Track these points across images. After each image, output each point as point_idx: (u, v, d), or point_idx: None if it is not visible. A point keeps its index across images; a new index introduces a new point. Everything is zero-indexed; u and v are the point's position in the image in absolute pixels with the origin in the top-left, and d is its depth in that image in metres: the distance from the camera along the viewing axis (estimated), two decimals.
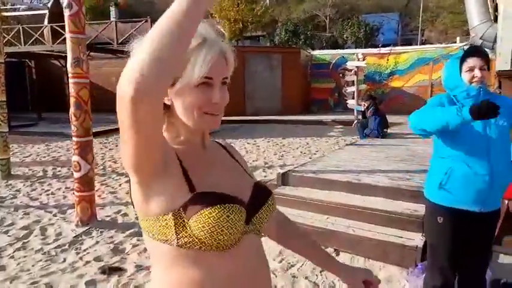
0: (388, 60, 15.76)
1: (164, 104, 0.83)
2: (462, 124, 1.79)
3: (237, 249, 0.81)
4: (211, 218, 0.75)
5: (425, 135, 2.05)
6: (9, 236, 3.70)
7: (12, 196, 5.02)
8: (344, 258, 3.15)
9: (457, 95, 1.99)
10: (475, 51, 1.98)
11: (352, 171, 4.31)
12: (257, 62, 14.59)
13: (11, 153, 6.56)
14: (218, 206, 0.76)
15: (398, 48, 16.65)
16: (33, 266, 3.09)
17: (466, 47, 2.22)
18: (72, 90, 3.89)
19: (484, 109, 1.67)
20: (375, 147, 6.22)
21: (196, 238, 0.76)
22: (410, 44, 22.06)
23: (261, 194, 0.91)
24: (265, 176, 5.67)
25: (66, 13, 3.82)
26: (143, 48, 0.60)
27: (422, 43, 23.76)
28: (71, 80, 3.89)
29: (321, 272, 2.96)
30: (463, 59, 1.96)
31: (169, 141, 0.84)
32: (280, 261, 3.12)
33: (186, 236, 0.76)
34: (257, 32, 23.48)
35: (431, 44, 20.58)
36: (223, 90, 0.83)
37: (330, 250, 3.26)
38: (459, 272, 2.10)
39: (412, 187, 3.59)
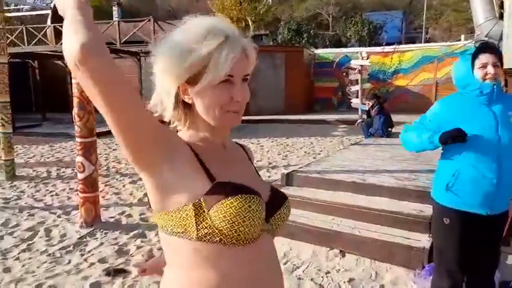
0: (392, 58, 15.67)
1: (185, 102, 0.84)
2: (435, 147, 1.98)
3: (254, 248, 0.80)
4: (233, 208, 0.74)
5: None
6: (14, 237, 3.71)
7: (16, 197, 5.03)
8: (350, 259, 3.12)
9: (469, 93, 1.94)
10: (487, 47, 1.95)
11: (357, 171, 4.28)
12: (260, 61, 13.89)
13: (15, 154, 6.57)
14: (239, 195, 0.76)
15: (403, 47, 16.55)
16: (38, 267, 3.09)
17: (471, 44, 2.20)
18: (75, 90, 3.88)
19: (453, 138, 1.87)
20: (380, 146, 6.18)
21: (217, 229, 0.75)
22: (414, 42, 21.94)
23: (279, 196, 0.91)
24: (269, 177, 5.65)
25: None
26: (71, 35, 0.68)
27: (427, 41, 23.63)
28: (74, 81, 3.90)
29: (326, 274, 2.95)
30: (475, 56, 1.92)
31: (190, 139, 0.84)
32: (286, 263, 3.10)
33: (206, 227, 0.75)
34: (260, 31, 23.44)
35: (435, 42, 20.46)
36: (244, 87, 0.83)
37: (335, 251, 3.24)
38: (467, 274, 2.08)
39: (418, 187, 3.55)
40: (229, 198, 0.75)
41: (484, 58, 1.89)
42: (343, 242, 3.23)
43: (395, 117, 8.15)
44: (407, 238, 3.03)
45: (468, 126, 1.89)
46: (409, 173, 4.11)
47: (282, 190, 3.40)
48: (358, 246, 3.15)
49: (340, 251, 3.23)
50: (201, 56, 0.76)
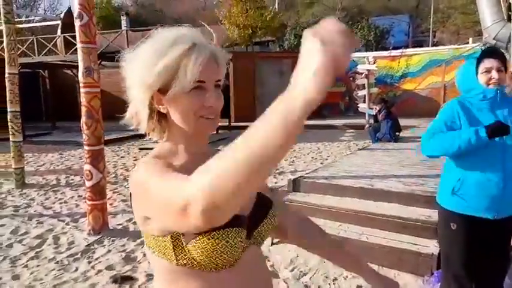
0: (399, 62, 15.62)
1: (160, 112, 0.83)
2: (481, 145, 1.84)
3: (236, 266, 0.80)
4: (209, 244, 0.74)
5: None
6: (23, 245, 3.74)
7: (26, 205, 5.08)
8: None
9: (473, 97, 1.93)
10: (491, 51, 1.94)
11: (364, 176, 4.25)
12: (267, 67, 14.62)
13: (25, 162, 6.66)
14: (216, 232, 0.74)
15: (410, 50, 16.49)
16: (46, 275, 3.11)
17: (480, 47, 2.17)
18: (83, 99, 3.93)
19: (498, 129, 1.77)
20: (388, 151, 6.13)
21: (195, 261, 0.75)
22: (422, 46, 21.83)
23: (263, 206, 0.89)
24: (276, 183, 5.63)
25: (77, 23, 3.87)
26: (219, 179, 0.53)
27: (434, 44, 23.51)
28: (82, 90, 3.93)
29: (333, 280, 2.92)
30: (479, 60, 1.92)
31: (170, 155, 0.84)
32: (292, 270, 3.08)
33: (184, 258, 0.76)
34: (266, 38, 23.55)
35: (443, 45, 20.34)
36: (217, 93, 0.82)
37: None
38: (476, 280, 2.04)
39: (426, 192, 3.51)
40: (206, 234, 0.74)
41: (488, 63, 1.88)
42: (351, 248, 3.19)
43: (403, 121, 8.11)
44: (416, 244, 2.99)
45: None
46: (417, 178, 4.07)
47: (287, 196, 3.35)
48: (366, 252, 3.11)
49: None
50: (170, 61, 0.76)
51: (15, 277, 3.08)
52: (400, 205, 3.49)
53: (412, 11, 30.39)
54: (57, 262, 3.34)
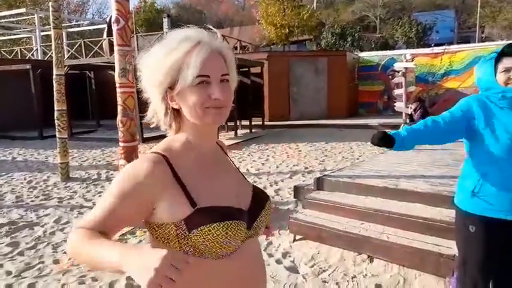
0: (442, 60, 14.98)
1: (173, 108, 0.89)
2: None
3: (236, 255, 0.86)
4: (210, 235, 0.80)
5: None
6: (64, 233, 4.05)
7: (69, 197, 5.47)
8: (377, 265, 3.08)
9: (491, 96, 1.89)
10: (511, 51, 1.88)
11: (390, 176, 4.19)
12: (302, 66, 14.56)
13: (70, 157, 7.12)
14: (217, 224, 0.81)
15: (454, 47, 15.74)
16: None
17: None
18: (119, 98, 4.18)
19: (380, 140, 2.00)
20: (420, 151, 5.95)
21: (198, 249, 0.82)
22: (469, 42, 20.77)
23: (260, 199, 0.95)
24: (303, 181, 5.66)
25: (114, 27, 4.12)
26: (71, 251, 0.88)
27: (483, 40, 22.26)
28: (118, 89, 4.18)
29: (352, 278, 2.93)
30: (498, 59, 1.87)
31: (175, 147, 0.90)
32: (312, 266, 3.13)
33: (188, 245, 0.82)
34: (303, 36, 23.43)
35: (493, 41, 19.22)
36: (224, 86, 0.86)
37: (363, 256, 3.21)
38: (493, 284, 1.98)
39: (453, 193, 3.40)
40: (208, 225, 0.80)
41: (507, 62, 1.82)
42: (372, 247, 3.19)
43: None
44: (438, 245, 2.93)
45: (492, 128, 1.84)
46: (446, 179, 3.94)
47: (311, 194, 3.42)
48: (387, 252, 3.10)
49: (368, 256, 3.19)
50: (176, 58, 0.82)
51: (56, 261, 3.37)
52: (424, 205, 3.42)
53: (459, 6, 28.94)
54: None
